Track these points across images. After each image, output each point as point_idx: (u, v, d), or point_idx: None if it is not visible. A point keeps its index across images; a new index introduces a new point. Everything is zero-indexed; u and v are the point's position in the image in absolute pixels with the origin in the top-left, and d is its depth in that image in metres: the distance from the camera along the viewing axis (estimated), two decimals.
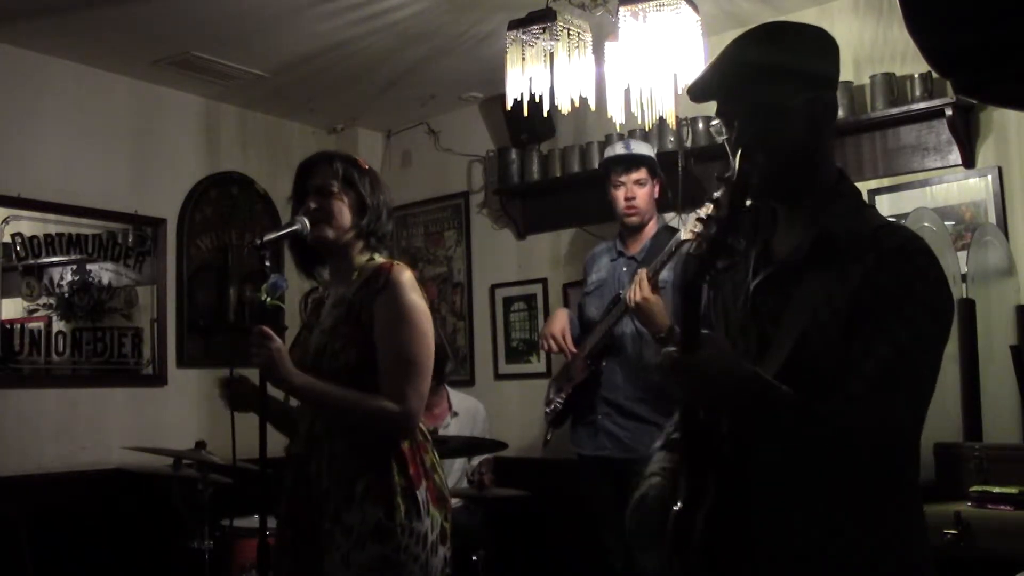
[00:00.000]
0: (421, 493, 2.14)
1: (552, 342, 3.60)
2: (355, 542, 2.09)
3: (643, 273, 3.26)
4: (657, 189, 3.61)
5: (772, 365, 1.44)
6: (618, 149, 3.66)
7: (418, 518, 2.12)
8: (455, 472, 4.10)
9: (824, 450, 1.37)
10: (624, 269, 3.59)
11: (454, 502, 2.77)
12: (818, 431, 1.36)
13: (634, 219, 3.57)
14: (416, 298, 2.21)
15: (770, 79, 1.48)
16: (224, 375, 2.31)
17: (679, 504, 1.46)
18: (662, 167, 3.66)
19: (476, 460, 4.10)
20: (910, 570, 1.42)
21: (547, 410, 3.67)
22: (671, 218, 3.80)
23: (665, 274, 3.32)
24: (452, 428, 4.15)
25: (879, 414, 1.34)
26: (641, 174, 3.54)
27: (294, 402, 2.31)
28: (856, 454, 1.37)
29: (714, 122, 1.55)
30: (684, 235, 3.18)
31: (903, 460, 1.43)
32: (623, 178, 3.55)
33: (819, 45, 1.54)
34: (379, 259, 2.28)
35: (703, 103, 1.58)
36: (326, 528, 2.12)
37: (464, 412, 4.30)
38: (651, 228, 3.60)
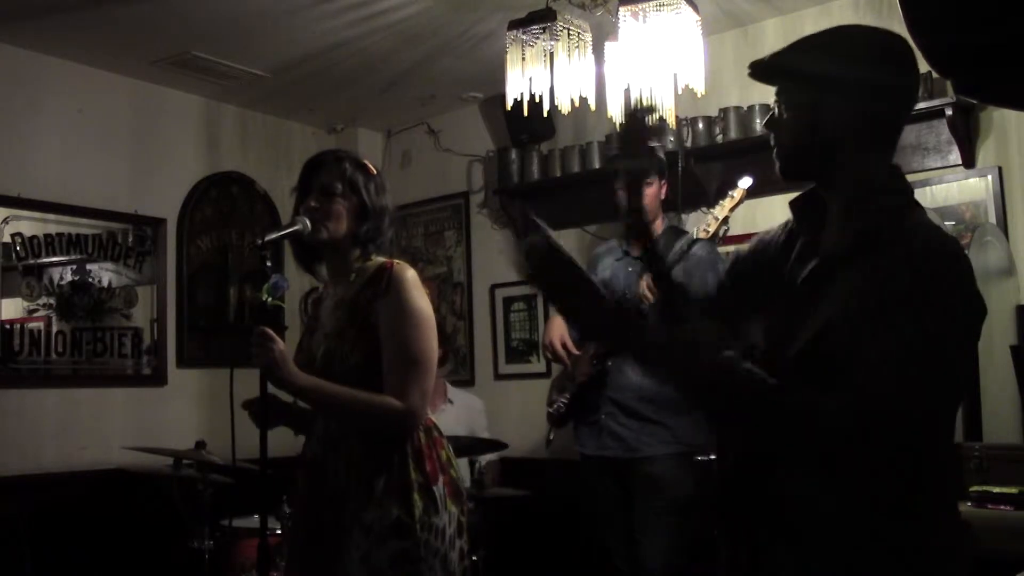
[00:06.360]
0: (439, 488, 2.16)
1: (553, 350, 3.59)
2: (375, 540, 2.09)
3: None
4: (664, 190, 3.59)
5: (791, 351, 1.45)
6: None
7: (436, 513, 2.14)
8: None
9: (791, 436, 1.40)
10: (630, 269, 3.56)
11: None
12: (776, 419, 1.39)
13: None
14: (419, 297, 2.22)
15: (809, 80, 1.53)
16: (249, 399, 2.19)
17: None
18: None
19: (480, 461, 4.09)
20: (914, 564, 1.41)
21: (550, 411, 3.66)
22: (671, 218, 3.79)
23: (676, 274, 3.31)
24: (449, 416, 4.14)
25: (866, 403, 1.34)
26: (647, 173, 3.53)
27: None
28: (832, 440, 1.37)
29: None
30: (698, 234, 3.16)
31: (911, 452, 1.39)
32: None
33: (876, 53, 1.57)
34: (377, 259, 2.27)
35: (760, 83, 1.63)
36: (345, 527, 2.13)
37: (460, 402, 4.37)
38: (657, 228, 3.57)
